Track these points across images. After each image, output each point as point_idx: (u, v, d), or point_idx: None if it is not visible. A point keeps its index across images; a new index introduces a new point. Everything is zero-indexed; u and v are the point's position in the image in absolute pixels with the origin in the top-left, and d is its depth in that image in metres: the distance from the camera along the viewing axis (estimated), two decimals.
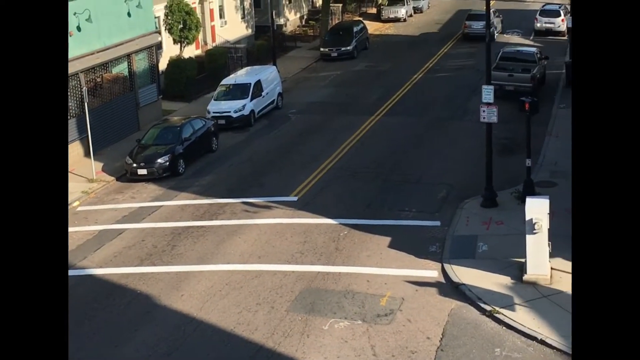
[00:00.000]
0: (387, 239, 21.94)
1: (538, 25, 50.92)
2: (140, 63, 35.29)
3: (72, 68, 29.14)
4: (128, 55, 34.00)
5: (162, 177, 28.32)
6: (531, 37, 50.31)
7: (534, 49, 39.68)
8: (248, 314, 18.27)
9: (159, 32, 37.90)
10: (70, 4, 28.73)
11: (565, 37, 45.59)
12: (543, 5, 53.68)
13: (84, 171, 28.98)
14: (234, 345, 16.98)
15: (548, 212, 18.35)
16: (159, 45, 37.72)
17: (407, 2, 60.76)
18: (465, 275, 19.28)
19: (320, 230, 22.84)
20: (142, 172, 28.20)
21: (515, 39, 49.98)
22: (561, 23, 49.47)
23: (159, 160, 28.34)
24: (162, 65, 39.27)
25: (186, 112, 35.74)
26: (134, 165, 28.38)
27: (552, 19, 50.51)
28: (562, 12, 50.45)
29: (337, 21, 55.74)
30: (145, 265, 21.32)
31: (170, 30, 39.59)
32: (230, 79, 36.80)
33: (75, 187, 27.42)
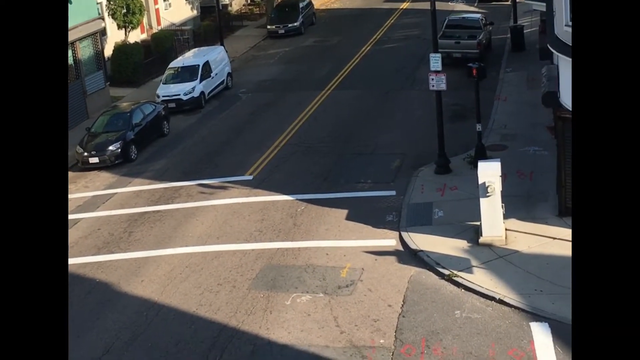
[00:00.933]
0: (345, 212, 22.07)
1: None
2: (85, 50, 34.76)
3: None
4: (72, 43, 33.43)
5: (115, 165, 28.04)
6: (475, 4, 50.64)
7: (478, 16, 39.98)
8: (210, 294, 18.28)
9: (102, 18, 37.32)
10: None
11: (509, 2, 45.92)
12: None
13: None
14: (197, 327, 16.99)
15: (500, 174, 18.61)
16: (103, 32, 37.18)
17: None
18: (423, 241, 19.51)
19: (278, 207, 22.89)
20: (94, 160, 27.89)
21: (460, 6, 50.28)
22: None
23: (111, 148, 28.05)
24: (108, 51, 38.76)
25: (135, 98, 35.36)
26: (85, 154, 28.05)
27: None
28: None
29: None
30: (103, 253, 21.17)
31: (113, 16, 39.03)
32: (178, 62, 36.46)
33: None
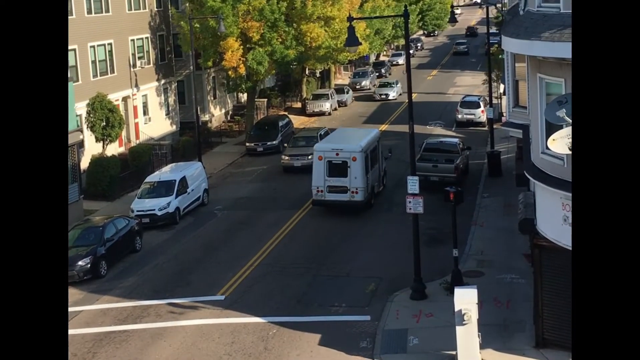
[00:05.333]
0: (318, 336, 21.45)
1: (459, 116, 52.15)
2: None
3: None
4: None
5: (83, 280, 27.29)
6: (453, 128, 51.44)
7: (456, 140, 40.48)
8: None
9: (81, 130, 37.37)
10: None
11: (486, 128, 46.76)
12: (463, 97, 55.23)
13: None
14: None
15: (476, 302, 18.24)
16: (80, 144, 37.10)
17: (331, 96, 61.80)
18: None
19: (249, 330, 22.21)
20: None
21: (438, 130, 51.03)
22: (481, 114, 50.70)
23: (80, 263, 27.36)
24: (84, 163, 38.58)
25: (109, 212, 34.97)
26: None
27: (472, 110, 51.82)
28: (481, 104, 51.83)
29: (262, 116, 56.16)
30: None
31: (92, 128, 39.10)
32: (154, 176, 36.28)
33: None
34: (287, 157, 42.52)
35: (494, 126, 41.79)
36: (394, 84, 67.03)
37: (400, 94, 64.89)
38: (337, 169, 32.57)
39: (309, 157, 39.19)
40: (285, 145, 45.22)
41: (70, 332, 23.02)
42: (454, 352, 18.78)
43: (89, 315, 24.35)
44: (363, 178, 32.63)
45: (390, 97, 64.97)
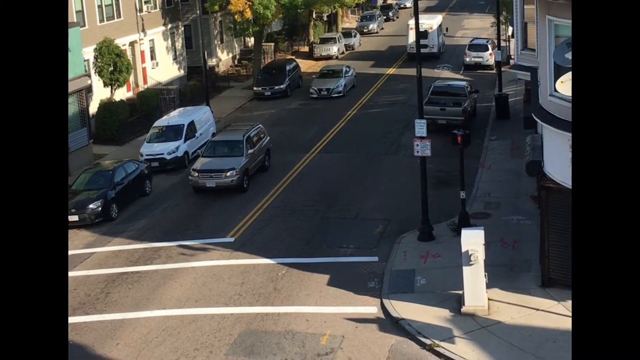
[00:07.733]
0: (326, 277, 21.78)
1: (467, 59, 51.90)
2: (70, 107, 34.61)
3: None
4: None
5: (95, 223, 27.64)
6: (461, 72, 51.22)
7: (464, 83, 40.34)
8: None
9: (89, 75, 37.37)
10: None
11: (494, 71, 46.56)
12: (471, 40, 54.86)
13: None
14: None
15: (483, 243, 18.47)
16: (88, 89, 37.15)
17: (338, 40, 61.43)
18: (405, 309, 19.22)
19: (258, 271, 22.57)
20: (74, 218, 27.46)
21: (445, 73, 50.82)
22: (489, 57, 50.46)
23: (91, 206, 27.69)
24: (93, 108, 38.69)
25: (118, 156, 35.17)
26: None
27: (480, 53, 51.56)
28: (489, 47, 51.55)
29: (269, 60, 55.94)
30: (78, 314, 20.68)
31: (100, 73, 39.04)
32: (163, 121, 36.40)
33: None
34: (196, 174, 29.82)
35: (502, 69, 41.60)
36: (341, 73, 47.86)
37: (353, 86, 48.35)
38: (423, 33, 50.88)
39: (228, 174, 29.39)
40: (199, 152, 32.90)
41: (84, 273, 23.48)
42: (460, 292, 19.08)
43: (101, 257, 24.75)
44: (436, 39, 55.75)
45: (334, 94, 46.01)
